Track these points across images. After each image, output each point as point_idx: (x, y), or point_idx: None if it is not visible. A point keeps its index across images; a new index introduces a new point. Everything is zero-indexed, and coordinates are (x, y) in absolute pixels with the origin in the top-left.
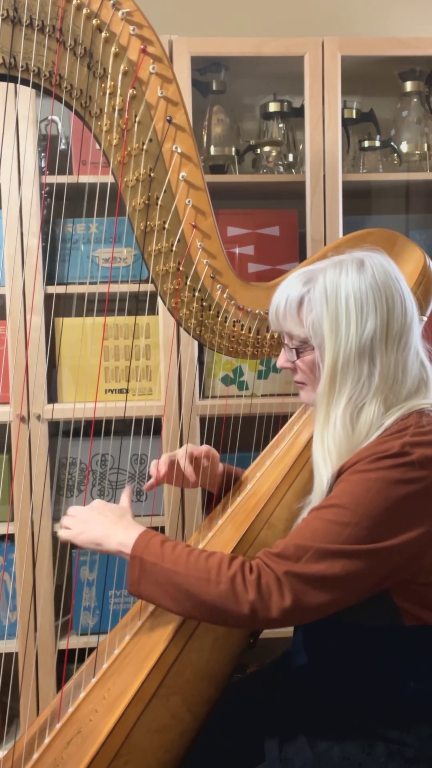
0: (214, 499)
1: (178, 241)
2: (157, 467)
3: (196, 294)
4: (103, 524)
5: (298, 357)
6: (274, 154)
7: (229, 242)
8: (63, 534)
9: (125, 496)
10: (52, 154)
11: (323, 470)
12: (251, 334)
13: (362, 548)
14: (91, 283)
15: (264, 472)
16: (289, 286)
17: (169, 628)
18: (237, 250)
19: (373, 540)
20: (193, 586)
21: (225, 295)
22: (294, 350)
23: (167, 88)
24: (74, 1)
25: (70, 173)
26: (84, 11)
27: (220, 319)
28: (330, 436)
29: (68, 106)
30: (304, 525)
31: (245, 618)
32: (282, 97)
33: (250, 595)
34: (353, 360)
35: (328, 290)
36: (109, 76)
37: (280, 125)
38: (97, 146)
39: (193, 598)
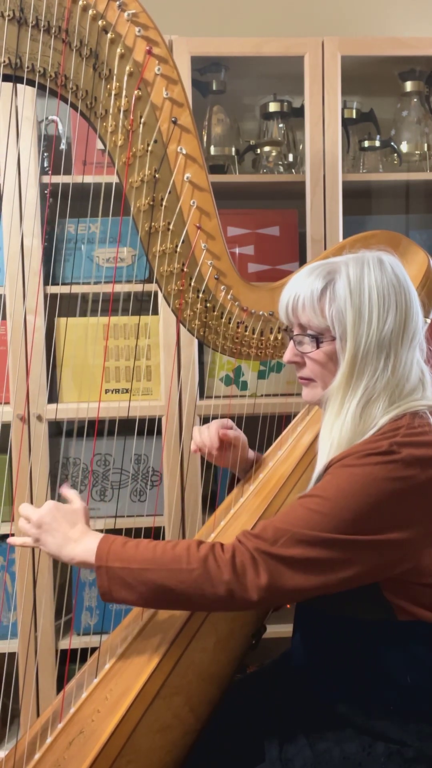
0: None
1: (183, 242)
2: (210, 437)
3: (200, 295)
4: (57, 535)
5: (318, 347)
6: (274, 154)
7: (230, 242)
8: (19, 540)
9: (73, 496)
10: (53, 155)
11: (324, 459)
12: (255, 336)
13: (339, 538)
14: (89, 283)
15: (267, 474)
16: (308, 278)
17: (172, 629)
18: (237, 250)
19: (351, 531)
20: (165, 579)
21: (229, 297)
22: (314, 340)
23: (172, 90)
24: (80, 2)
25: (71, 173)
26: (90, 12)
27: (224, 320)
28: (339, 427)
29: (74, 106)
30: (287, 510)
31: (222, 599)
32: (282, 97)
33: (225, 574)
34: (373, 352)
35: (353, 282)
36: (114, 77)
37: (280, 125)
38: (102, 147)
39: (168, 591)
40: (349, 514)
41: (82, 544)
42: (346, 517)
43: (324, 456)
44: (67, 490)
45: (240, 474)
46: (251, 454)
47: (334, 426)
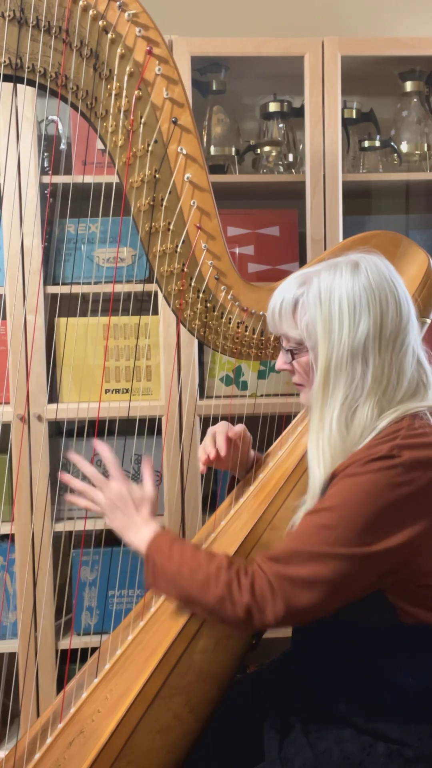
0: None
1: (183, 242)
2: (215, 447)
3: (201, 295)
4: (122, 516)
5: (293, 358)
6: (274, 154)
7: (230, 242)
8: (86, 504)
9: (148, 476)
10: (53, 154)
11: (317, 472)
12: (255, 336)
13: (351, 552)
14: (86, 283)
15: (267, 474)
16: (285, 289)
17: (172, 629)
18: (237, 250)
19: (361, 543)
20: (194, 590)
21: (229, 297)
22: (289, 352)
23: (173, 90)
24: (81, 3)
25: (71, 173)
26: (90, 12)
27: (224, 320)
28: (325, 438)
29: (74, 107)
30: (298, 529)
31: (242, 621)
32: (282, 97)
33: (245, 598)
34: (346, 361)
35: (322, 292)
36: (115, 77)
37: (280, 125)
38: (102, 147)
39: (195, 601)
40: (358, 524)
41: (141, 533)
42: (355, 527)
43: (316, 469)
44: (145, 474)
45: (240, 475)
46: (252, 453)
47: (319, 437)
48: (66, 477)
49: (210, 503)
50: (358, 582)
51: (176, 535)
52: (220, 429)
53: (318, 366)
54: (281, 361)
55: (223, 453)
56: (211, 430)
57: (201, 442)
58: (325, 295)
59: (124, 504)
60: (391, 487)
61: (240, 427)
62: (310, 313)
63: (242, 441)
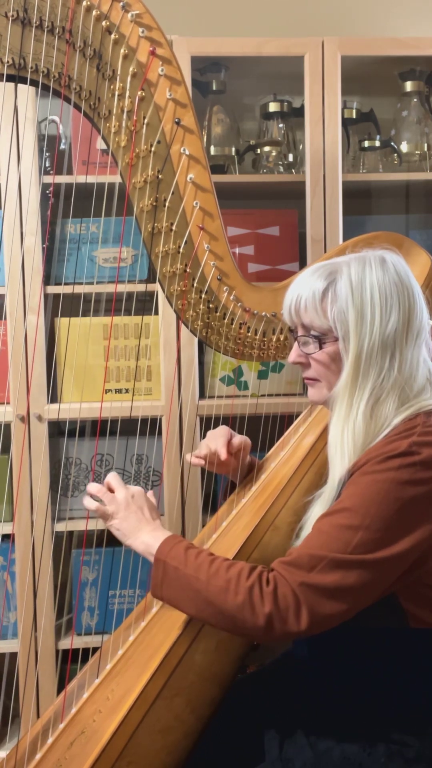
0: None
1: (185, 242)
2: (218, 452)
3: (203, 296)
4: (138, 519)
5: (321, 348)
6: (274, 154)
7: (230, 242)
8: (94, 505)
9: (151, 496)
10: (53, 154)
11: (338, 463)
12: (257, 336)
13: (375, 557)
14: (90, 283)
15: (269, 475)
16: (310, 278)
17: (174, 629)
18: (237, 250)
19: (385, 544)
20: (212, 595)
21: (232, 297)
22: (316, 341)
23: (176, 90)
24: (84, 3)
25: (66, 173)
26: (93, 13)
27: (226, 321)
28: (350, 429)
29: (77, 107)
30: (317, 532)
31: (261, 629)
32: (282, 97)
33: (267, 607)
34: (377, 352)
35: (354, 282)
36: (118, 77)
37: (280, 125)
38: (104, 147)
39: (211, 606)
40: (380, 523)
41: (154, 534)
42: (377, 526)
43: (339, 460)
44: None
45: (238, 479)
46: (248, 458)
47: (346, 428)
48: (91, 488)
49: (211, 503)
50: (380, 586)
51: (191, 543)
52: (220, 433)
53: (349, 355)
54: (295, 354)
55: (223, 457)
56: (210, 433)
57: (201, 443)
58: (357, 285)
59: (140, 507)
60: (410, 485)
61: (240, 439)
62: (342, 301)
63: (243, 450)
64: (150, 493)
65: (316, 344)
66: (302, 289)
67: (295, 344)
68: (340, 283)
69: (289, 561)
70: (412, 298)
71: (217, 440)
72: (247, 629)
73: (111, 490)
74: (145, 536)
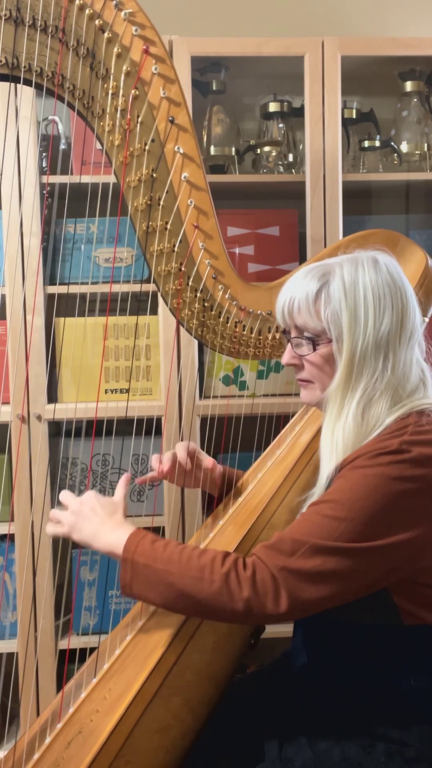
0: (215, 500)
1: (180, 241)
2: (160, 461)
3: (198, 295)
4: (94, 522)
5: (315, 349)
6: (274, 154)
7: (229, 242)
8: (52, 529)
9: (121, 488)
10: (53, 154)
11: (327, 462)
12: (253, 335)
13: (357, 546)
14: (91, 283)
15: (265, 473)
16: (303, 280)
17: (171, 628)
18: (237, 250)
19: (368, 537)
20: (186, 586)
21: (227, 296)
22: (310, 342)
23: (170, 89)
24: (77, 2)
25: (71, 173)
26: (87, 12)
27: (221, 319)
28: (341, 429)
29: (71, 106)
30: (302, 519)
31: (239, 614)
32: (282, 97)
33: (245, 592)
34: (370, 353)
35: (347, 283)
36: (111, 76)
37: (280, 125)
38: (99, 146)
39: (186, 597)
40: (364, 517)
41: (114, 534)
42: (361, 519)
43: (327, 459)
44: (121, 485)
45: (214, 490)
46: (219, 469)
47: (336, 428)
48: (51, 514)
49: (209, 503)
50: (364, 577)
51: (155, 535)
52: (180, 445)
53: (342, 357)
54: (289, 355)
55: (180, 456)
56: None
57: (199, 444)
58: (350, 286)
59: (92, 510)
60: (399, 481)
61: (185, 448)
62: (335, 302)
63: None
64: (124, 478)
65: (309, 346)
66: (295, 290)
67: (288, 346)
68: (333, 284)
69: (270, 545)
70: (404, 298)
71: (178, 449)
72: (225, 615)
73: None
74: (105, 537)
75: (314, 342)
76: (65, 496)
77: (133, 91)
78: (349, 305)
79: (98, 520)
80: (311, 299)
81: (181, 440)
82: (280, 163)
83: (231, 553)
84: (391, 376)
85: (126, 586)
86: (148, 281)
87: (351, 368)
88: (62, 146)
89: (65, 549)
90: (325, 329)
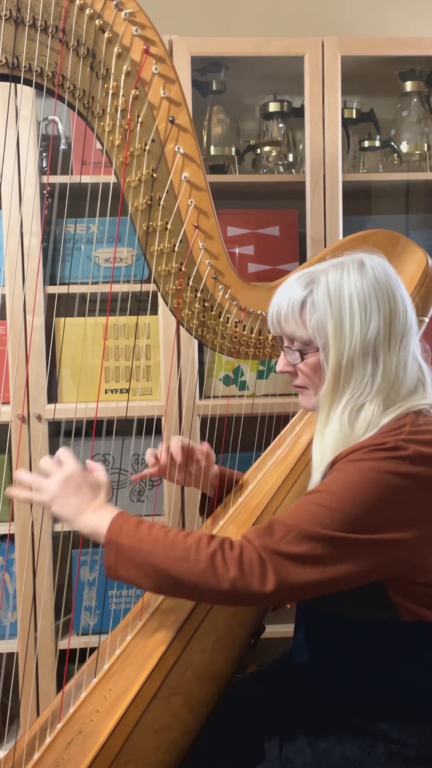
0: (214, 501)
1: (180, 241)
2: (154, 456)
3: (198, 295)
4: (77, 501)
5: (302, 359)
6: (274, 154)
7: (229, 242)
8: (27, 495)
9: (101, 470)
10: (53, 154)
11: (318, 463)
12: (253, 335)
13: (347, 536)
14: (91, 283)
15: (266, 473)
16: (290, 289)
17: (171, 629)
18: (237, 250)
19: (358, 529)
20: (172, 567)
21: (227, 296)
22: (297, 352)
23: (170, 89)
24: (77, 2)
25: (71, 173)
26: (87, 12)
27: (222, 319)
28: (329, 434)
29: (71, 106)
30: (295, 507)
31: (225, 593)
32: (282, 97)
33: (231, 571)
34: (358, 359)
35: (331, 291)
36: (111, 76)
37: (280, 125)
38: (99, 146)
39: (171, 578)
40: (356, 509)
41: (98, 515)
42: (353, 511)
43: (318, 462)
44: (93, 463)
45: (208, 490)
46: (215, 469)
47: (325, 434)
48: (18, 474)
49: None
50: (352, 568)
51: (139, 517)
52: (174, 440)
53: (329, 365)
54: (282, 363)
55: (174, 450)
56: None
57: (199, 444)
58: (335, 294)
59: (77, 487)
60: (393, 476)
61: (204, 445)
62: (320, 311)
63: (206, 457)
64: (100, 470)
65: (298, 355)
66: (282, 300)
67: (282, 354)
68: (318, 293)
69: (260, 528)
70: (393, 301)
71: (172, 443)
72: (210, 595)
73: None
74: (88, 517)
75: (302, 352)
76: (47, 462)
77: (133, 91)
78: (334, 314)
79: (82, 499)
80: (297, 309)
81: None
82: (280, 163)
83: (217, 535)
84: (382, 381)
85: (110, 567)
86: (148, 281)
87: (338, 376)
88: (62, 146)
89: (65, 549)
90: (312, 338)
